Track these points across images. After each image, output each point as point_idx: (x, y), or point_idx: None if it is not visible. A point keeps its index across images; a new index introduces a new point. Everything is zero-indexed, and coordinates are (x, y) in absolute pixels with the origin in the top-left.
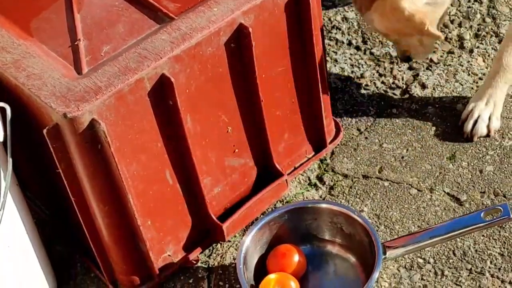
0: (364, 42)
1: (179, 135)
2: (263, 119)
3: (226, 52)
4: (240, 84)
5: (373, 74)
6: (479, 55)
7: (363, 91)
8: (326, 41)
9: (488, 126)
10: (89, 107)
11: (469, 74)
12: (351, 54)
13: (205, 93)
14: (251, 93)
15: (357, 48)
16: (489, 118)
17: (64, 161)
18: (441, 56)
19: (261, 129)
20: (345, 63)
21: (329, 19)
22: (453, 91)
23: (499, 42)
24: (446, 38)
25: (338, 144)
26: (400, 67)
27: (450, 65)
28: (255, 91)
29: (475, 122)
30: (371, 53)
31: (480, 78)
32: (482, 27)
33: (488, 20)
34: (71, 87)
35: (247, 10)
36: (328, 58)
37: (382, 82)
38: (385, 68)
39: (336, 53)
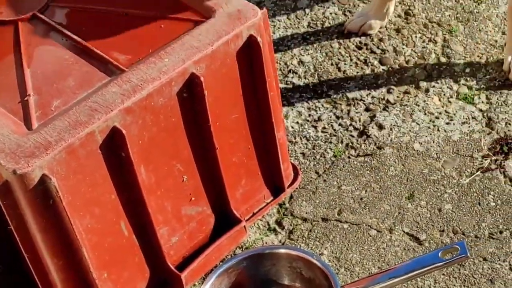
0: (321, 85)
1: (133, 186)
2: (219, 166)
3: (179, 101)
4: (194, 133)
5: (330, 117)
6: (434, 95)
7: (320, 134)
8: (282, 85)
9: None
10: (39, 162)
11: (425, 114)
12: (308, 98)
13: (159, 143)
14: (205, 141)
15: (314, 91)
16: None
17: (16, 217)
18: (397, 97)
19: (217, 176)
20: (302, 107)
21: (285, 63)
22: (410, 130)
23: (455, 81)
24: (400, 78)
25: (297, 188)
26: (357, 109)
27: (406, 105)
28: (209, 139)
29: None
30: (328, 96)
31: (437, 117)
32: (437, 66)
33: (442, 59)
34: (21, 143)
35: (199, 60)
36: (285, 102)
37: (340, 124)
38: (342, 110)
39: (292, 97)
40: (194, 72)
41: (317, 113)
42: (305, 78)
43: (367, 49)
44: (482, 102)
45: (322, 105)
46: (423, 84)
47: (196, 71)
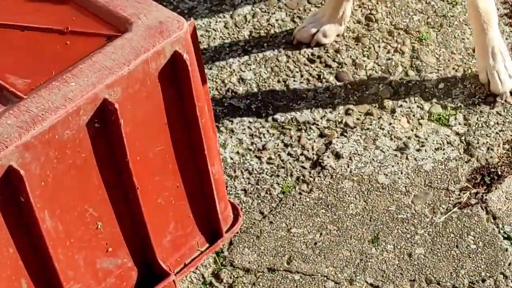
0: (266, 106)
1: (35, 236)
2: (141, 209)
3: (89, 133)
4: (109, 170)
5: (277, 145)
6: (402, 116)
7: (265, 165)
8: (219, 107)
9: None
10: None
11: (391, 139)
12: (250, 122)
13: (66, 184)
14: (123, 179)
15: (258, 114)
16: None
17: None
18: (358, 119)
19: (139, 221)
20: (243, 133)
21: (223, 82)
22: (373, 160)
23: (426, 99)
24: (361, 96)
25: (237, 232)
26: (309, 134)
27: (368, 129)
28: (128, 177)
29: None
30: (274, 120)
31: (405, 144)
32: (404, 82)
33: (411, 73)
34: None
35: (112, 83)
36: (222, 129)
37: (289, 154)
38: (291, 137)
39: (232, 121)
40: (107, 98)
41: (261, 141)
42: (246, 98)
43: (320, 62)
44: (459, 123)
45: (268, 131)
46: (388, 104)
47: (110, 96)
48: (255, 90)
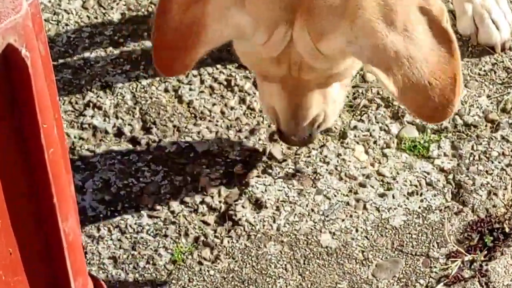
0: (146, 129)
1: None
2: None
3: None
4: None
5: (165, 187)
6: (357, 142)
7: (146, 220)
8: (76, 131)
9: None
10: None
11: (340, 178)
12: (121, 153)
13: None
14: None
15: (133, 140)
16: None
17: None
18: (289, 148)
19: None
20: (112, 170)
21: (80, 91)
22: (312, 210)
23: (394, 116)
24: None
25: None
26: (213, 171)
27: (305, 162)
28: None
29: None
30: (160, 148)
31: (363, 186)
32: (361, 90)
33: (371, 77)
34: None
35: None
36: (79, 164)
37: (182, 202)
38: (186, 175)
39: (94, 153)
40: None
41: (139, 181)
42: (116, 116)
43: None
44: (445, 154)
45: (149, 166)
46: (336, 125)
47: None
48: (130, 103)
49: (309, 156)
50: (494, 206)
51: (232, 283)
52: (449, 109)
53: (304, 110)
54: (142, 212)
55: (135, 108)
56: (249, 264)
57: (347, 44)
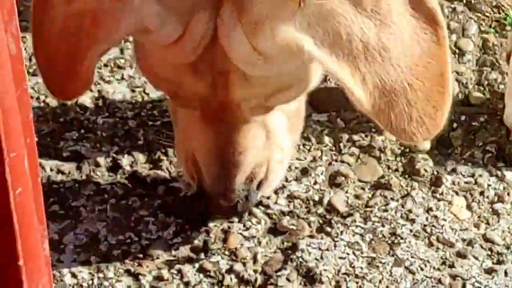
0: (155, 165)
1: None
2: None
3: None
4: None
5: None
6: (456, 193)
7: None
8: (54, 161)
9: None
10: None
11: (430, 245)
12: (116, 196)
13: None
14: None
15: (134, 176)
16: None
17: None
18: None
19: None
20: (102, 222)
21: (65, 114)
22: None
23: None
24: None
25: None
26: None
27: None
28: None
29: None
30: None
31: (463, 256)
32: None
33: None
34: None
35: None
36: (55, 209)
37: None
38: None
39: (78, 193)
40: None
41: (146, 234)
42: (104, 141)
43: None
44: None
45: (151, 221)
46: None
47: None
48: (131, 123)
49: (385, 210)
50: None
51: None
52: (437, 119)
53: (236, 155)
54: (143, 281)
55: (137, 131)
56: None
57: (296, 36)
